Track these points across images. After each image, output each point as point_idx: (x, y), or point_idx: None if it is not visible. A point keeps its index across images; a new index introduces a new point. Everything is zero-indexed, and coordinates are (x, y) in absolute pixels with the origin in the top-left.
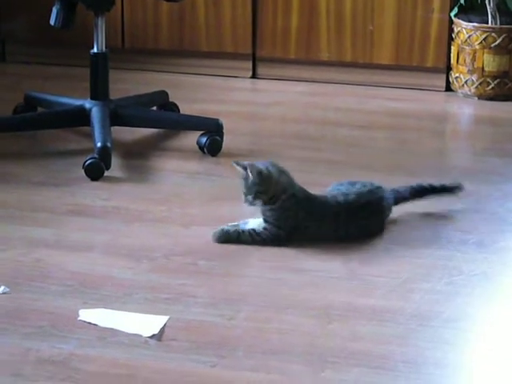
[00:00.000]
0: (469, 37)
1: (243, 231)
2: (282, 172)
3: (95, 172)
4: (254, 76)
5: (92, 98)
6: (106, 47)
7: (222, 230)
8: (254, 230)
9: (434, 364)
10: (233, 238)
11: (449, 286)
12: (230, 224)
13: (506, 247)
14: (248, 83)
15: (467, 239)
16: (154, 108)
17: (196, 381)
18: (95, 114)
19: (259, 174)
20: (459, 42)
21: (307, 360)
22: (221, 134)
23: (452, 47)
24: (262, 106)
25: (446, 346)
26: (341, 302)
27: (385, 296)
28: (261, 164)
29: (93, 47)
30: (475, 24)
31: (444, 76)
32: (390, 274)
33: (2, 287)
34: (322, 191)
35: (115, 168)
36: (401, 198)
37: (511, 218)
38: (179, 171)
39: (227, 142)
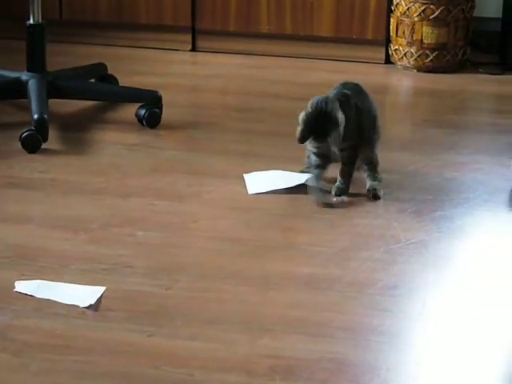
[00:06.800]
0: (407, 9)
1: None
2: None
3: (32, 144)
4: (193, 49)
5: (29, 70)
6: (42, 19)
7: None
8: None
9: (372, 331)
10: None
11: (386, 254)
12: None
13: (442, 216)
14: (188, 56)
15: (405, 208)
16: (93, 80)
17: (133, 350)
18: (32, 86)
19: None
20: (398, 14)
21: (245, 328)
22: (160, 106)
23: (391, 19)
24: (201, 79)
25: (384, 313)
26: (279, 270)
27: (322, 264)
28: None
29: (29, 19)
30: None
31: (383, 48)
32: (327, 243)
33: None
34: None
35: (52, 140)
36: None
37: (449, 188)
38: (118, 143)
39: (166, 114)
